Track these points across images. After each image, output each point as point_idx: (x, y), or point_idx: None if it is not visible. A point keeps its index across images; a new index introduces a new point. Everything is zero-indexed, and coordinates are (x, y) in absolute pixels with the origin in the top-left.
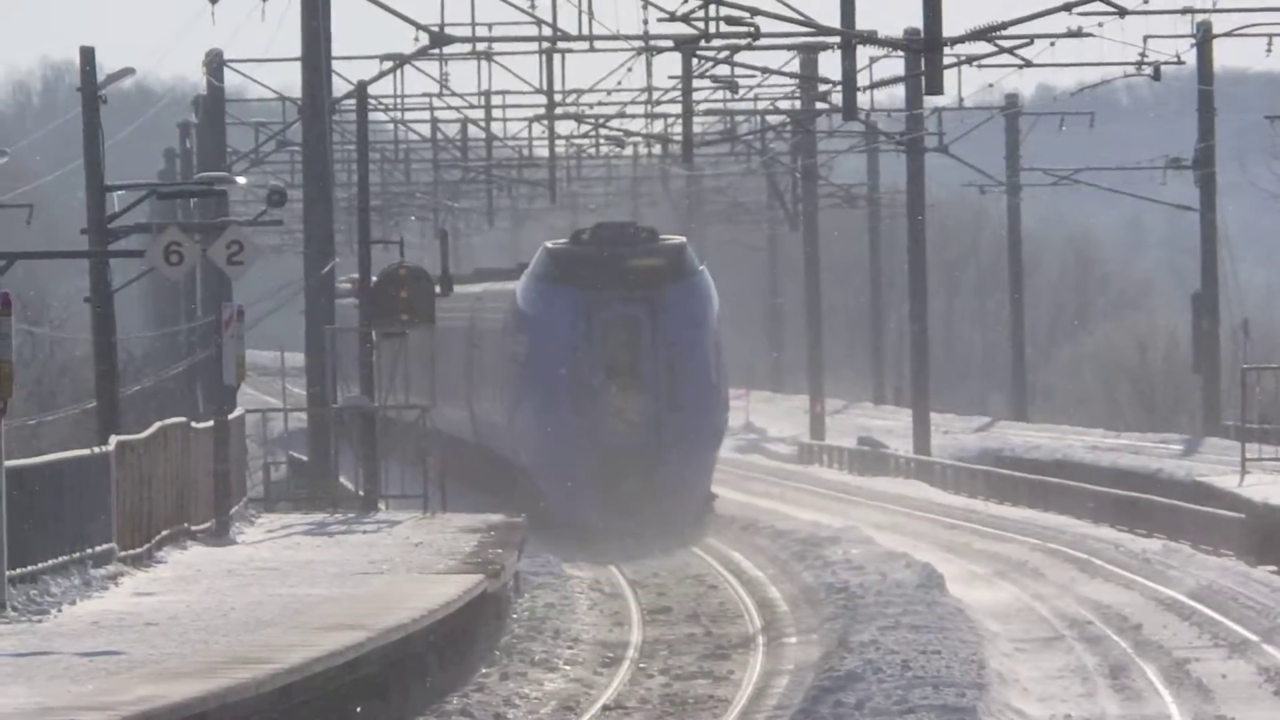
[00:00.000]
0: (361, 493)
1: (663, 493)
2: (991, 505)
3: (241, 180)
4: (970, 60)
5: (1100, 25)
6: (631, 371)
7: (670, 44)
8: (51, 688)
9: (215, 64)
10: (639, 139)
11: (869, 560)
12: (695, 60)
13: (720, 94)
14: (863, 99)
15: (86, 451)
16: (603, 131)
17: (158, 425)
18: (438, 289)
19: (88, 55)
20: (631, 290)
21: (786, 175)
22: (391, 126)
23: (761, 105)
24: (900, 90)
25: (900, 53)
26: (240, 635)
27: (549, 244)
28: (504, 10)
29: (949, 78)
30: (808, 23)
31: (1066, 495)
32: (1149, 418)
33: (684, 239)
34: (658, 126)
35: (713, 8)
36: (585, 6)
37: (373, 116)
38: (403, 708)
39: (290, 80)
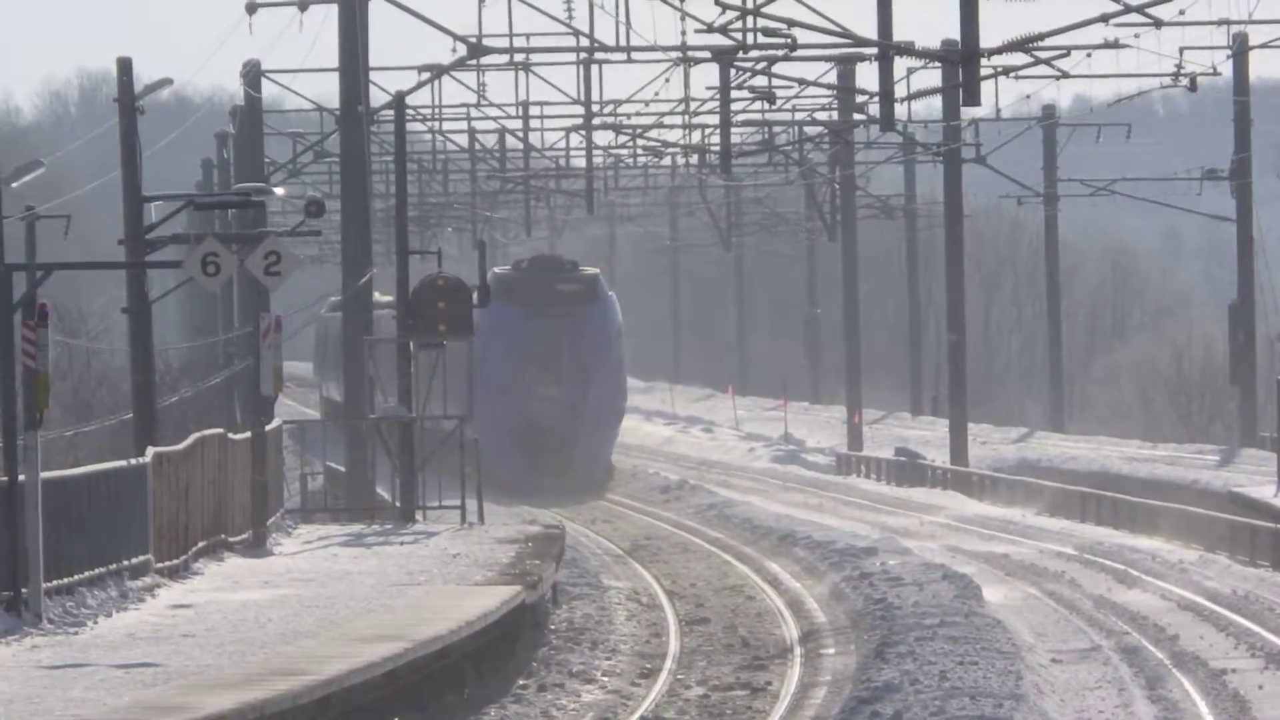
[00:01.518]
0: (398, 504)
1: (575, 459)
2: (1029, 516)
3: (279, 191)
4: (1007, 71)
5: (1137, 36)
6: (555, 369)
7: (708, 55)
8: (88, 700)
9: (253, 75)
10: (676, 149)
11: (906, 571)
12: (733, 71)
13: (758, 105)
14: (900, 110)
15: (123, 463)
16: (640, 142)
17: (195, 437)
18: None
19: (125, 66)
20: (556, 308)
21: (824, 186)
22: (429, 137)
23: (799, 116)
24: (938, 101)
25: (938, 64)
26: (277, 646)
27: (496, 269)
28: (541, 21)
29: (986, 89)
30: (845, 34)
31: (1104, 506)
32: (1186, 429)
33: (598, 270)
34: (695, 137)
35: (750, 19)
36: (623, 17)
37: (411, 127)
38: (440, 719)
39: (328, 91)
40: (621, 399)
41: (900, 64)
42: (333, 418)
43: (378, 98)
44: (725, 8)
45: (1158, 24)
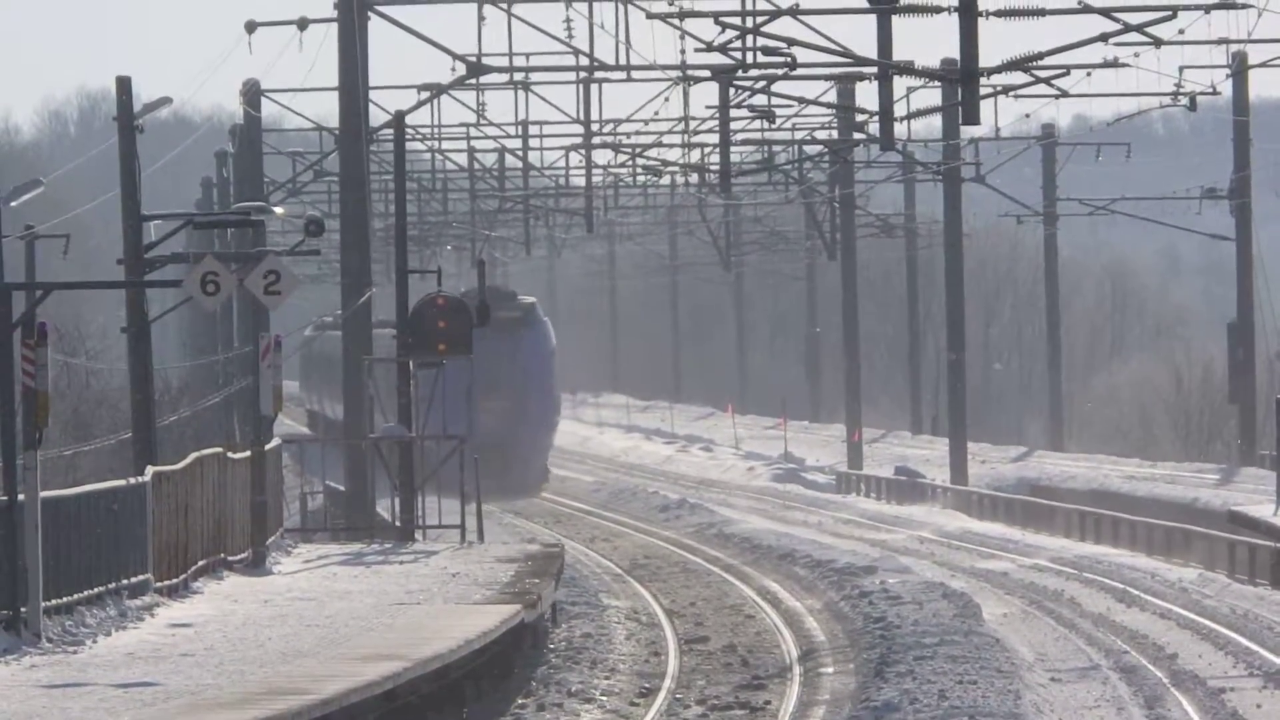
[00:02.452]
0: (398, 523)
1: (514, 463)
2: (1028, 535)
3: (279, 210)
4: (1007, 90)
5: (1136, 56)
6: (496, 385)
7: (707, 74)
8: (87, 719)
9: (252, 94)
10: (676, 168)
11: (905, 590)
12: (732, 90)
13: (757, 124)
14: (900, 129)
15: (123, 482)
16: (640, 161)
17: (194, 456)
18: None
19: (124, 85)
20: (499, 333)
21: (824, 205)
22: (429, 156)
23: (799, 135)
24: (937, 120)
25: (937, 83)
26: (277, 666)
27: None
28: (541, 40)
29: (985, 108)
30: (845, 53)
31: (1103, 524)
32: (1185, 447)
33: (534, 300)
34: (695, 156)
35: (750, 38)
36: (622, 36)
37: (410, 146)
38: None
39: (327, 110)
40: (555, 412)
41: (900, 83)
42: (316, 430)
43: (377, 117)
44: (725, 27)
45: (1157, 43)
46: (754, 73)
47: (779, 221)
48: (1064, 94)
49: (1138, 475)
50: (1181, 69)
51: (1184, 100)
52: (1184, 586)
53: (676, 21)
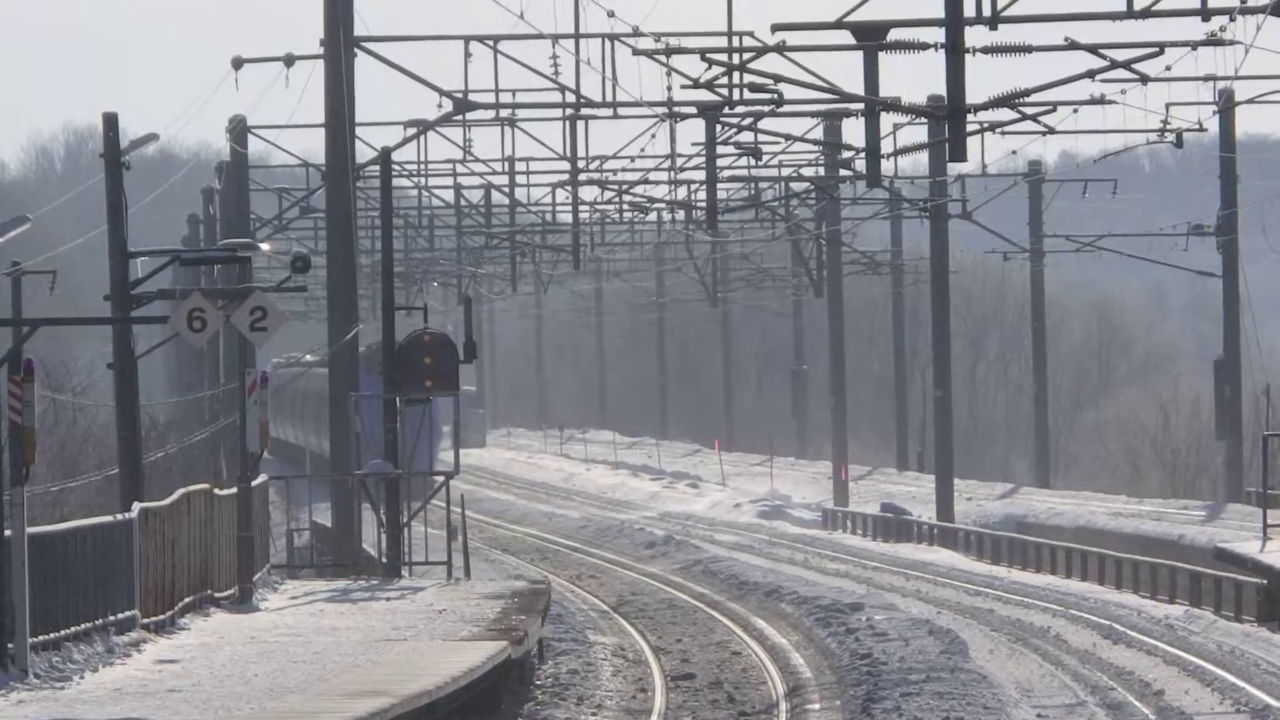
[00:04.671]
0: (384, 559)
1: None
2: (1014, 572)
3: (265, 247)
4: (993, 127)
5: (1123, 92)
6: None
7: (694, 110)
8: None
9: (239, 130)
10: (663, 205)
11: (892, 627)
12: (719, 126)
13: (744, 160)
14: (886, 165)
15: (110, 518)
16: (626, 197)
17: (181, 492)
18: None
19: (111, 121)
20: None
21: (810, 241)
22: (415, 192)
23: (785, 171)
24: (924, 157)
25: (924, 119)
26: (263, 702)
27: (366, 347)
28: (528, 77)
29: (972, 144)
30: (831, 89)
31: (1089, 561)
32: (1172, 484)
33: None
34: (681, 192)
35: (736, 75)
36: (609, 73)
37: (397, 182)
38: None
39: (314, 146)
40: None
41: (886, 119)
42: (279, 457)
43: (363, 153)
44: (711, 63)
45: (1144, 80)
46: (740, 109)
47: (766, 258)
48: (1051, 131)
49: (1124, 512)
50: (1168, 106)
51: (1171, 137)
52: (1170, 623)
53: (663, 58)
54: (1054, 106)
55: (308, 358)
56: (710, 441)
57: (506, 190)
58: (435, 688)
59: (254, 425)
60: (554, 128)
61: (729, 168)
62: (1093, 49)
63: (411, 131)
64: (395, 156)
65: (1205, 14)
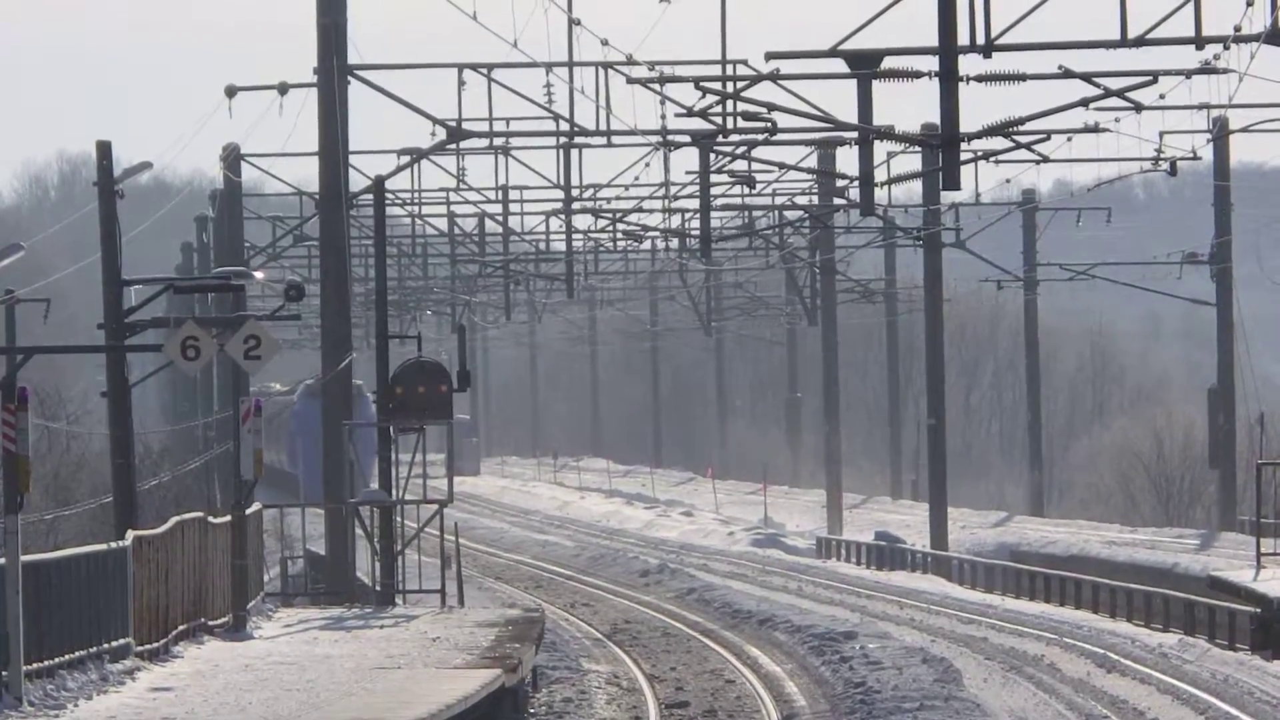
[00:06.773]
0: (378, 587)
1: None
2: (1008, 600)
3: (259, 275)
4: (987, 156)
5: (1117, 121)
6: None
7: (688, 139)
8: None
9: (232, 158)
10: (656, 233)
11: (886, 655)
12: (713, 155)
13: (738, 189)
14: (880, 194)
15: (104, 546)
16: (620, 226)
17: (175, 520)
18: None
19: (104, 149)
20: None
21: (804, 270)
22: (409, 221)
23: (779, 200)
24: (918, 185)
25: (918, 148)
26: None
27: (309, 380)
28: (521, 105)
29: (966, 173)
30: (825, 118)
31: (1083, 589)
32: (1165, 512)
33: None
34: (675, 221)
35: (730, 103)
36: (603, 102)
37: (390, 211)
38: None
39: (307, 174)
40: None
41: (880, 148)
42: (269, 483)
43: (357, 181)
44: (705, 92)
45: (1138, 108)
46: (734, 138)
47: (760, 287)
48: (1045, 159)
49: (1118, 540)
50: (1162, 134)
51: (1165, 165)
52: (1164, 651)
53: (657, 87)
54: (1048, 135)
55: (275, 386)
56: (704, 470)
57: (500, 219)
58: (429, 715)
59: (248, 453)
60: (548, 156)
61: (723, 196)
62: (1087, 77)
63: (405, 159)
64: (389, 185)
65: (1199, 42)
